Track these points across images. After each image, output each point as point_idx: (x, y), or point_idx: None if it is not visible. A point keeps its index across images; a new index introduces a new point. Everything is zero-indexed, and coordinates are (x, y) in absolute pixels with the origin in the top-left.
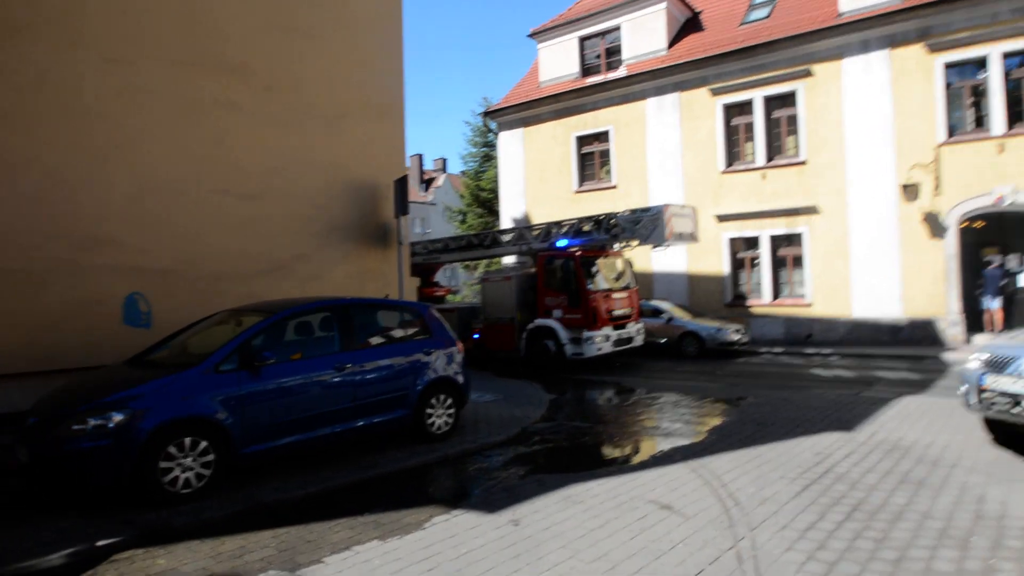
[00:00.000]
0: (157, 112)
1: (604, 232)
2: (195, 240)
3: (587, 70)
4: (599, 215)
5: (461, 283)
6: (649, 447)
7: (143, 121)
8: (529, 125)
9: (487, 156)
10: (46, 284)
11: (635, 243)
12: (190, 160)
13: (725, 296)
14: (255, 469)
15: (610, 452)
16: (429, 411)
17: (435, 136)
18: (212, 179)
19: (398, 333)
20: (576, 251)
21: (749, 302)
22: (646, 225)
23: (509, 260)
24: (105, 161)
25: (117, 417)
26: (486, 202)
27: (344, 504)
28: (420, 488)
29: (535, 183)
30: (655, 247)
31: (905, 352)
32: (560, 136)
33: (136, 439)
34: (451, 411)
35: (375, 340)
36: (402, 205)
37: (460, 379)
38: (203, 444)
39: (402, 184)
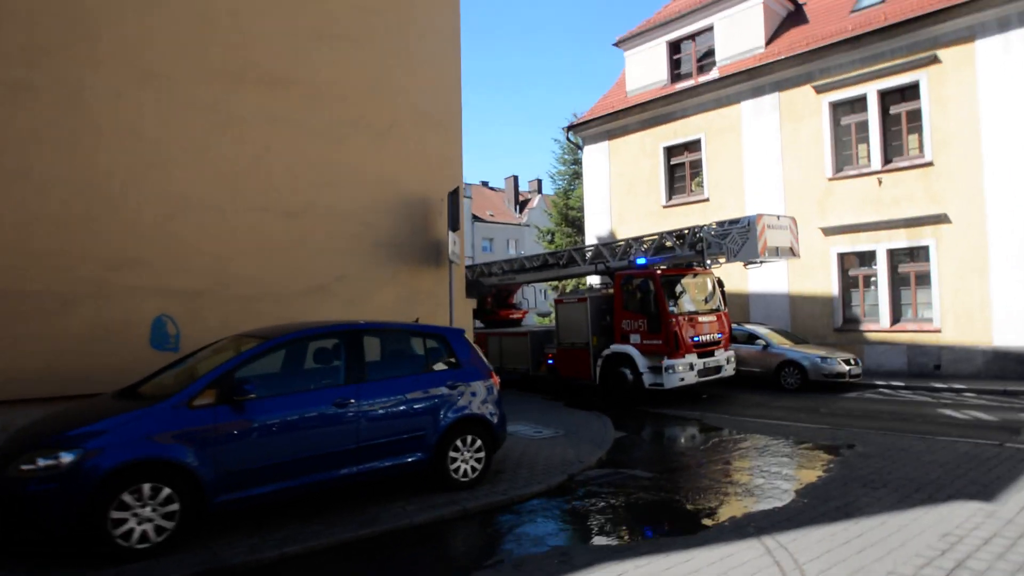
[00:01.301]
0: (194, 128)
1: (689, 248)
2: (229, 260)
3: (676, 76)
4: (683, 229)
5: (549, 305)
6: (718, 511)
7: (179, 138)
8: (615, 137)
9: (576, 174)
10: (73, 306)
11: (723, 260)
12: (227, 177)
13: (834, 320)
14: (232, 520)
15: (666, 516)
16: (453, 455)
17: (531, 158)
18: (250, 197)
19: (418, 363)
20: (656, 269)
21: (863, 327)
22: (735, 239)
23: (595, 281)
24: (138, 180)
25: (66, 458)
26: (575, 221)
27: (327, 569)
28: (420, 555)
29: (621, 198)
30: (747, 264)
31: None
32: (648, 147)
33: (86, 484)
34: (480, 455)
35: (389, 371)
36: (454, 219)
37: (493, 417)
38: (166, 491)
39: (455, 197)
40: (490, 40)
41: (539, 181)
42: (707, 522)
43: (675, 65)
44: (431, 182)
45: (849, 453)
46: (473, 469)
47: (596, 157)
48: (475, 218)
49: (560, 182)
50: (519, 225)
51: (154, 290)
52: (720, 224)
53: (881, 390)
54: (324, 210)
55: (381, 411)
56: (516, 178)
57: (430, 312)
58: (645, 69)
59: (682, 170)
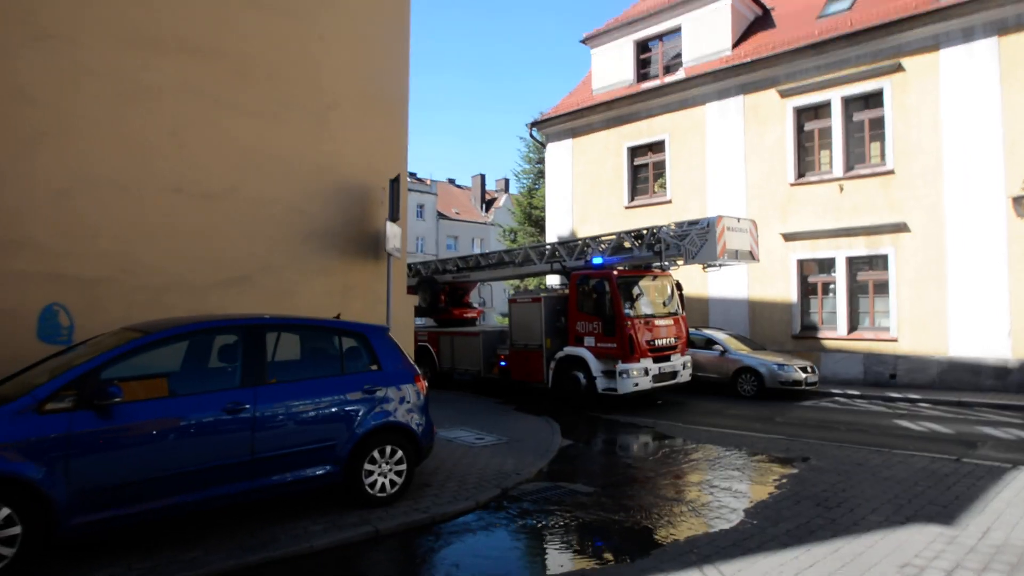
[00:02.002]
0: (100, 96)
1: (647, 249)
2: (136, 245)
3: (643, 75)
4: (641, 229)
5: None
6: (659, 534)
7: (81, 106)
8: (579, 136)
9: (541, 173)
10: None
11: (681, 262)
12: (136, 152)
13: (792, 327)
14: (92, 546)
15: (601, 541)
16: (369, 467)
17: (499, 158)
18: (162, 175)
19: (332, 365)
20: (613, 270)
21: (820, 334)
22: (694, 240)
23: (554, 281)
24: (30, 150)
25: None
26: (538, 220)
27: None
28: None
29: (583, 198)
30: (706, 267)
31: (1016, 401)
32: (612, 147)
33: None
34: (401, 467)
35: (296, 373)
36: (395, 209)
37: (417, 426)
38: (3, 512)
39: (396, 185)
40: (464, 31)
41: (506, 180)
42: (644, 549)
43: (642, 65)
44: (372, 169)
45: (803, 467)
46: (392, 483)
47: (559, 155)
48: (440, 215)
49: (525, 181)
50: (485, 224)
51: (45, 276)
52: (679, 225)
53: (837, 399)
54: (249, 194)
55: (283, 418)
56: (483, 177)
57: (367, 308)
58: (612, 68)
59: (646, 171)
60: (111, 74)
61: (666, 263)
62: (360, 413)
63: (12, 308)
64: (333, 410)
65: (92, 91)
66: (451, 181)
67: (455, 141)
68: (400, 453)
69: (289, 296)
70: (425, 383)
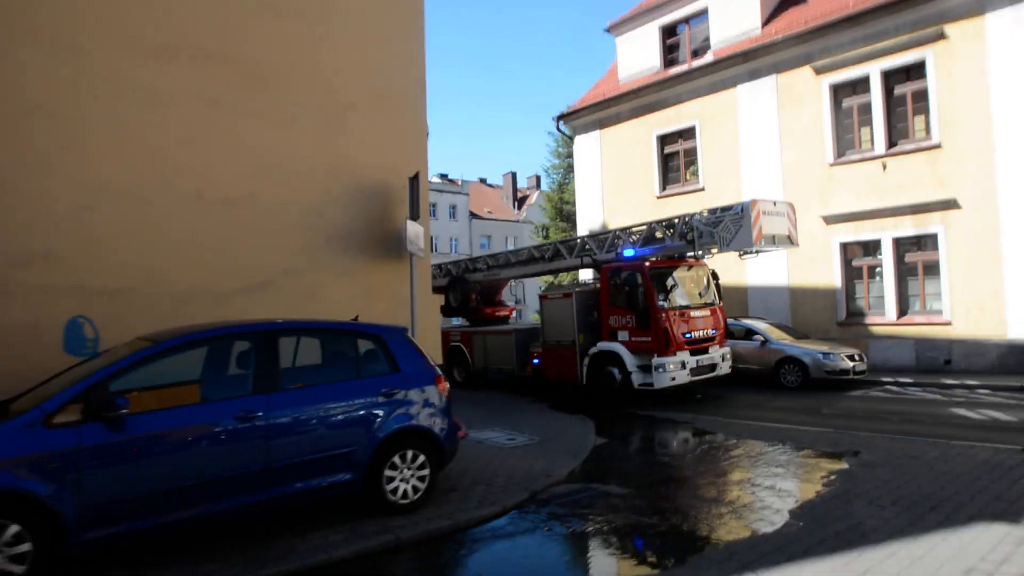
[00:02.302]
0: (116, 108)
1: (679, 238)
2: (157, 254)
3: (670, 61)
4: (672, 218)
5: None
6: (697, 539)
7: (98, 118)
8: (606, 127)
9: (570, 167)
10: None
11: (715, 250)
12: (154, 162)
13: (837, 313)
14: (102, 561)
15: (633, 548)
16: (390, 473)
17: (530, 155)
18: (181, 183)
19: (348, 368)
20: (645, 261)
21: (868, 320)
22: (728, 227)
23: (587, 276)
24: (49, 164)
25: None
26: (569, 215)
27: None
28: None
29: (613, 189)
30: (742, 254)
31: None
32: (641, 136)
33: None
34: (423, 472)
35: (310, 378)
36: (415, 207)
37: (439, 429)
38: (13, 529)
39: (416, 183)
40: (487, 35)
41: (538, 177)
42: (679, 557)
43: (668, 50)
44: (391, 168)
45: (853, 462)
46: (415, 489)
47: (587, 147)
48: (472, 215)
49: (555, 176)
50: (517, 222)
51: (68, 288)
52: (712, 211)
53: (888, 387)
54: (267, 199)
55: (298, 425)
56: (514, 175)
57: (391, 309)
58: (637, 55)
59: (676, 159)
60: (123, 83)
61: (699, 252)
62: (379, 417)
63: (36, 321)
64: (350, 415)
65: (105, 101)
66: (482, 181)
67: (485, 140)
68: (422, 458)
69: (311, 299)
70: (447, 384)
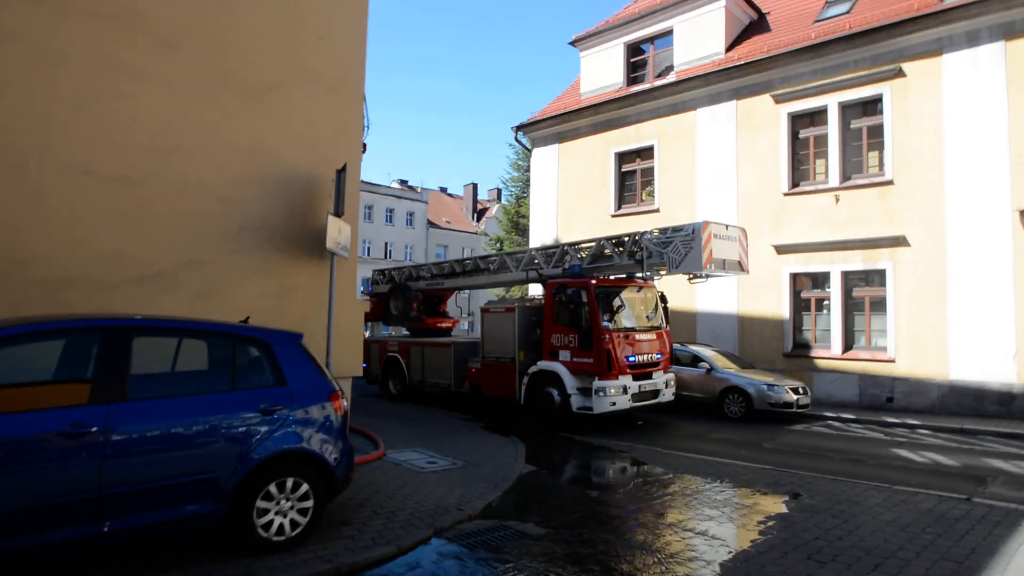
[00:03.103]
0: None
1: (628, 257)
2: (30, 232)
3: (633, 79)
4: (622, 235)
5: None
6: None
7: None
8: (565, 140)
9: (529, 181)
10: None
11: (663, 271)
12: (36, 126)
13: (784, 344)
14: None
15: None
16: (264, 504)
17: (493, 167)
18: (67, 153)
19: (221, 378)
20: (591, 279)
21: (813, 353)
22: (678, 248)
23: (538, 291)
24: None
25: None
26: (526, 230)
27: None
28: None
29: (569, 205)
30: (692, 278)
31: (1023, 430)
32: (599, 152)
33: None
34: (306, 504)
35: (170, 388)
36: (339, 202)
37: (329, 455)
38: None
39: (343, 176)
40: (459, 37)
41: (499, 190)
42: None
43: (632, 68)
44: (320, 158)
45: (793, 506)
46: (294, 524)
47: (545, 160)
48: (430, 224)
49: (513, 189)
50: (475, 234)
51: None
52: (663, 231)
53: (830, 423)
54: (169, 180)
55: (145, 444)
56: (475, 186)
57: (309, 313)
58: (601, 71)
59: (633, 178)
60: (8, 37)
61: (648, 273)
62: (253, 438)
63: None
64: (216, 434)
65: None
66: (443, 190)
67: (450, 149)
68: (305, 487)
69: (216, 297)
70: (344, 403)
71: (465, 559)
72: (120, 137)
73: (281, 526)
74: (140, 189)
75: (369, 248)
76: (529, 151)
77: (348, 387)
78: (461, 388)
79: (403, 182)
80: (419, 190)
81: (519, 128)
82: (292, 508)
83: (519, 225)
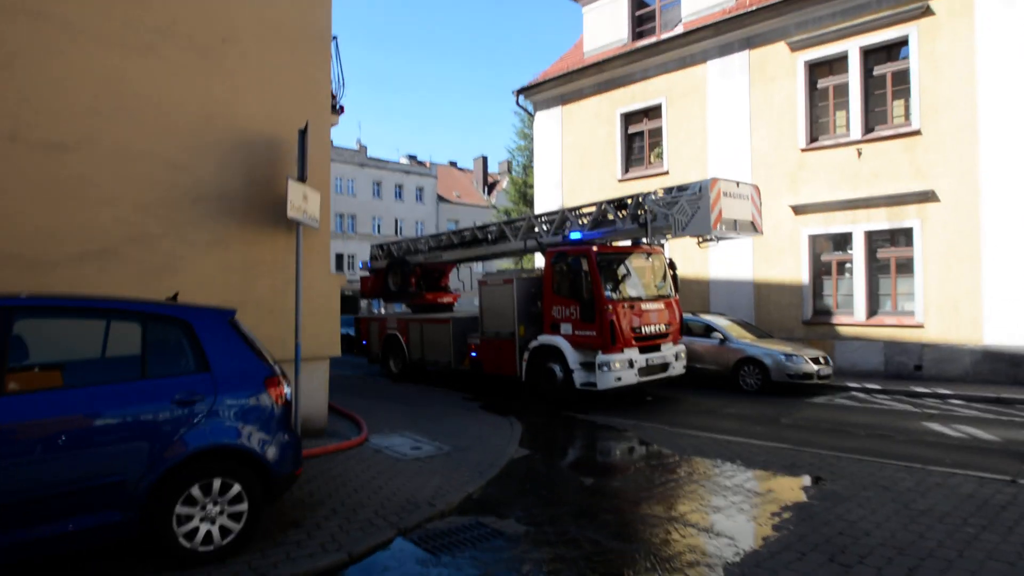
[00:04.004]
0: None
1: (631, 221)
2: None
3: (638, 35)
4: (625, 198)
5: None
6: None
7: None
8: (569, 103)
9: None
10: None
11: (669, 235)
12: None
13: (803, 311)
14: None
15: None
16: (185, 510)
17: (503, 139)
18: None
19: (129, 365)
20: (592, 246)
21: (835, 320)
22: (684, 209)
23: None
24: None
25: None
26: (533, 200)
27: None
28: None
29: (573, 171)
30: (701, 241)
31: None
32: (604, 113)
33: None
34: (239, 507)
35: (58, 377)
36: (303, 166)
37: (267, 449)
38: None
39: (305, 136)
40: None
41: (509, 163)
42: None
43: (637, 22)
44: (283, 120)
45: (813, 492)
46: (225, 531)
47: (548, 125)
48: (440, 198)
49: (520, 158)
50: (486, 207)
51: None
52: (668, 191)
53: (854, 394)
54: (110, 146)
55: (28, 446)
56: (485, 159)
57: (277, 289)
58: (605, 26)
59: (641, 139)
60: None
61: (652, 239)
62: (167, 435)
63: None
64: (118, 432)
65: None
66: (453, 164)
67: (459, 124)
68: (236, 488)
69: (170, 273)
70: (285, 388)
71: (426, 567)
72: (51, 99)
73: (209, 534)
74: (76, 156)
75: (379, 225)
76: (532, 116)
77: (326, 368)
78: (461, 366)
79: (412, 157)
80: (428, 164)
81: (520, 92)
82: (221, 513)
83: (527, 196)
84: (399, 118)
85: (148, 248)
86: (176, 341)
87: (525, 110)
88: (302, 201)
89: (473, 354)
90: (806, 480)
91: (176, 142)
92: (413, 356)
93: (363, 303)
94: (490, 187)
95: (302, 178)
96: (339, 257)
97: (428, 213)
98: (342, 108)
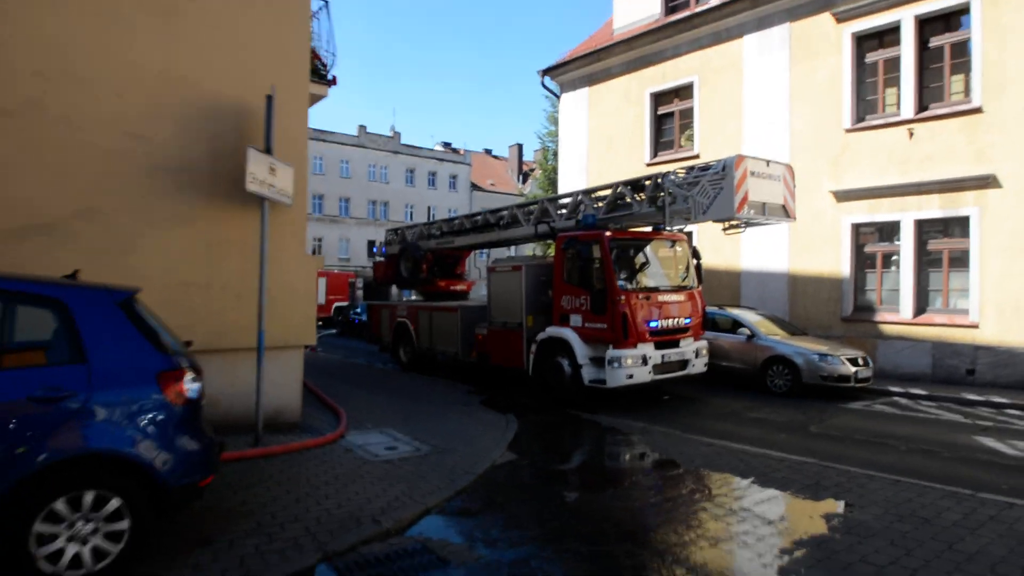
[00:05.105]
0: None
1: (649, 204)
2: None
3: (671, 8)
4: (642, 178)
5: None
6: None
7: None
8: (596, 83)
9: None
10: None
11: (688, 219)
12: None
13: (843, 307)
14: None
15: None
16: (48, 529)
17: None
18: None
19: None
20: (605, 231)
21: (878, 317)
22: (705, 190)
23: None
24: None
25: None
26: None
27: None
28: None
29: (599, 154)
30: (727, 227)
31: None
32: (632, 94)
33: None
34: (117, 526)
35: None
36: (268, 135)
37: (155, 456)
38: None
39: (272, 103)
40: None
41: (544, 150)
42: None
43: None
44: (254, 85)
45: (837, 522)
46: (99, 554)
47: (574, 106)
48: (474, 186)
49: (550, 144)
50: (520, 195)
51: None
52: (688, 170)
53: (896, 400)
54: (57, 112)
55: None
56: (520, 147)
57: (246, 270)
58: (635, 2)
59: (671, 121)
60: None
61: (669, 224)
62: (23, 438)
63: None
64: None
65: None
66: (488, 151)
67: (496, 111)
68: (116, 503)
69: (123, 252)
70: (188, 385)
71: None
72: None
73: (78, 557)
74: (18, 123)
75: (412, 212)
76: (558, 98)
77: (299, 357)
78: (469, 357)
79: (446, 144)
80: (462, 152)
81: (546, 72)
82: (95, 532)
83: (555, 182)
84: (436, 106)
85: (100, 225)
86: (45, 325)
87: (551, 92)
88: (267, 174)
89: (481, 344)
90: (830, 505)
91: (133, 109)
92: (422, 345)
93: (394, 291)
94: (525, 175)
95: (266, 149)
96: (371, 243)
97: (462, 201)
98: (334, 79)
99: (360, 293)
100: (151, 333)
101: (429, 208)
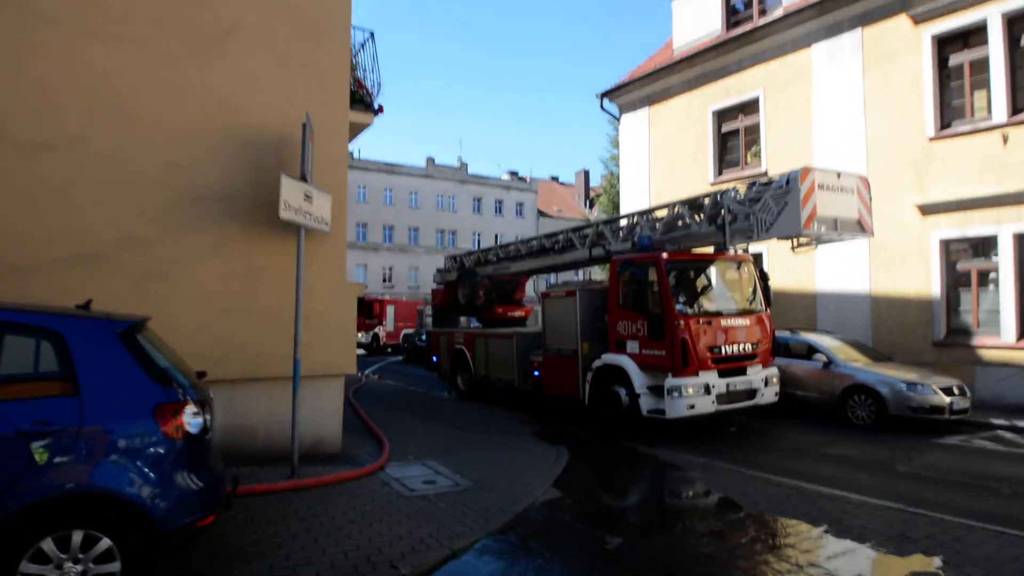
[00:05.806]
0: None
1: (708, 223)
2: None
3: (733, 24)
4: (700, 196)
5: None
6: None
7: None
8: (656, 103)
9: None
10: None
11: (751, 237)
12: None
13: (934, 331)
14: None
15: None
16: (34, 569)
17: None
18: None
19: None
20: (662, 252)
21: (976, 341)
22: (768, 206)
23: None
24: None
25: None
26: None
27: None
28: None
29: (661, 175)
30: (795, 246)
31: None
32: (694, 112)
33: None
34: (110, 567)
35: None
36: (305, 162)
37: (148, 495)
38: None
39: (308, 131)
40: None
41: (610, 175)
42: None
43: (731, 12)
44: (292, 112)
45: None
46: None
47: (634, 127)
48: (541, 213)
49: (614, 167)
50: (584, 220)
51: None
52: (750, 187)
53: (1000, 434)
54: (102, 145)
55: None
56: (587, 172)
57: (283, 298)
58: (696, 18)
59: (735, 138)
60: None
61: (731, 244)
62: (10, 474)
63: None
64: None
65: None
66: (554, 178)
67: (565, 140)
68: (106, 544)
69: (162, 280)
70: (187, 419)
71: None
72: (41, 97)
73: None
74: (65, 156)
75: (479, 240)
76: (618, 120)
77: (339, 386)
78: (525, 386)
79: (513, 173)
80: (528, 180)
81: (605, 95)
82: (85, 574)
83: (619, 205)
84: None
85: (141, 254)
86: (37, 356)
87: (610, 114)
88: (302, 201)
89: (536, 372)
90: (919, 562)
91: (175, 140)
92: (479, 373)
93: (463, 319)
94: (591, 201)
95: (303, 176)
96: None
97: (528, 228)
98: (380, 108)
99: (429, 320)
100: (150, 364)
101: (496, 236)
